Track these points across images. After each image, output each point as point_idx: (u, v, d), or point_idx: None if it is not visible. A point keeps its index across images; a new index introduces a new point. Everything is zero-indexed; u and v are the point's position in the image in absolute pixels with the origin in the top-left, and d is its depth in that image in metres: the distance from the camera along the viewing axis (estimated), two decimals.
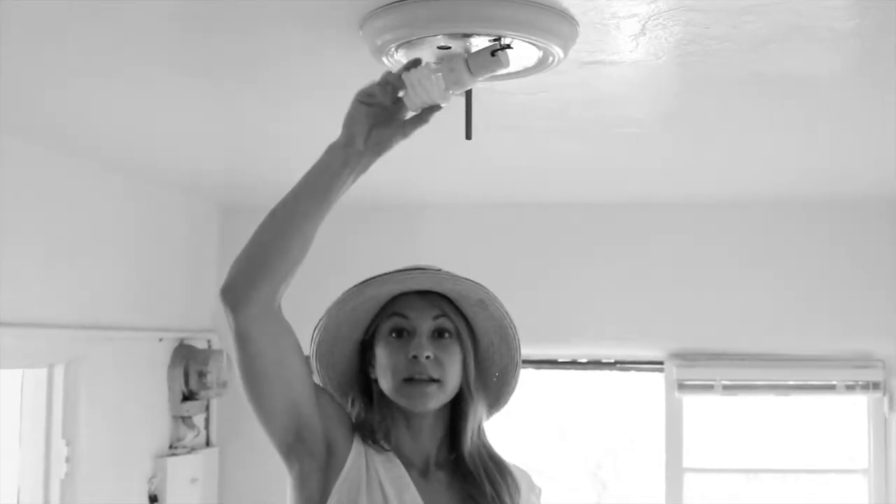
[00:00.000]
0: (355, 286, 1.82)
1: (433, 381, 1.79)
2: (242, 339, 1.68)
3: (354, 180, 1.72)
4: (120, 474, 3.79)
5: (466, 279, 1.83)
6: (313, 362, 1.88)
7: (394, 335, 1.82)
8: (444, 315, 1.82)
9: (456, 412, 1.86)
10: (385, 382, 1.82)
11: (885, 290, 4.25)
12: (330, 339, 1.86)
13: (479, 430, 1.90)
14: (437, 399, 1.81)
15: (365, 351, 1.88)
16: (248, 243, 1.68)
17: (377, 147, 1.71)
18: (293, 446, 1.78)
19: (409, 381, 1.79)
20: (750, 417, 4.66)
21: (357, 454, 1.79)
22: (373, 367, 1.86)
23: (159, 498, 3.98)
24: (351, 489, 1.76)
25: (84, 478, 3.50)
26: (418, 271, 1.82)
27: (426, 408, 1.81)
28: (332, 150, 1.71)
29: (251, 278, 1.65)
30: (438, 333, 1.82)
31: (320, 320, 1.84)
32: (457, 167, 3.67)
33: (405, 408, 1.81)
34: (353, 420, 1.86)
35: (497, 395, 1.94)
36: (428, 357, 1.78)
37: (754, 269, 4.35)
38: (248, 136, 3.22)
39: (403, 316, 1.82)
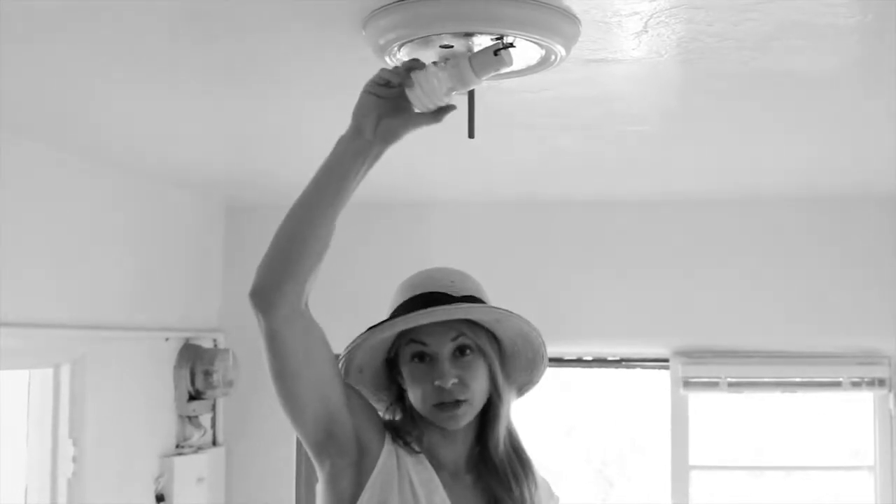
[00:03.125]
0: (368, 330, 1.83)
1: (461, 402, 1.81)
2: (272, 340, 1.70)
3: (367, 171, 1.73)
4: (126, 474, 3.80)
5: (477, 307, 1.84)
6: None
7: (416, 360, 1.84)
8: (462, 334, 1.83)
9: (486, 415, 1.88)
10: (415, 404, 1.85)
11: (891, 286, 4.24)
12: (356, 368, 1.88)
13: (510, 428, 1.93)
14: (468, 416, 1.84)
15: (392, 364, 1.90)
16: (269, 245, 1.69)
17: (386, 136, 1.72)
18: (324, 444, 1.79)
19: (438, 405, 1.81)
20: (756, 414, 4.66)
21: (388, 454, 1.81)
22: (402, 377, 1.88)
23: (166, 497, 3.99)
24: (383, 488, 1.78)
25: (91, 477, 3.51)
26: (427, 309, 1.81)
27: (458, 426, 1.84)
28: (341, 142, 1.72)
29: (277, 279, 1.66)
30: (460, 352, 1.83)
31: (341, 357, 1.85)
32: (461, 166, 3.67)
33: None
34: (387, 421, 1.88)
35: (528, 377, 1.97)
36: (454, 382, 1.80)
37: (759, 266, 4.34)
38: (252, 135, 3.22)
39: (422, 343, 1.83)
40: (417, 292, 1.86)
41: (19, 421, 3.42)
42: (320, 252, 1.69)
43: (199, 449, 4.27)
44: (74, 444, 3.47)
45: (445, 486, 1.83)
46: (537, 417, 4.96)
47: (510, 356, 1.92)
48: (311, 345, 1.73)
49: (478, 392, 1.83)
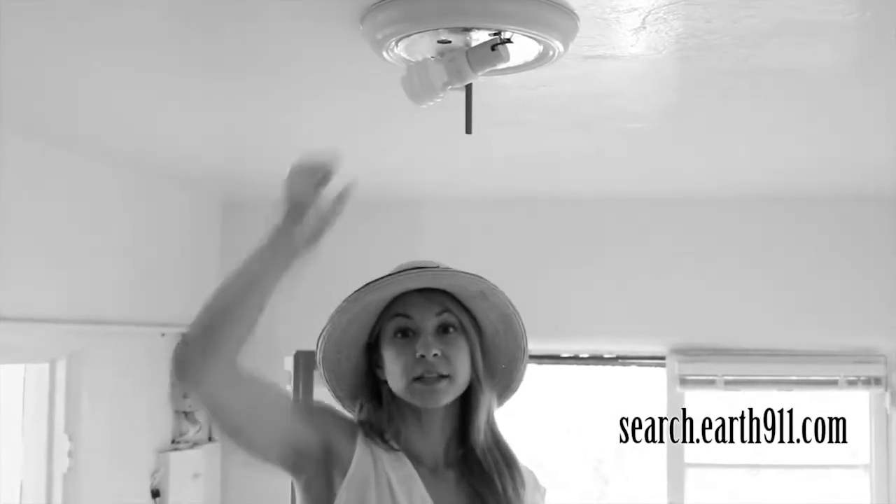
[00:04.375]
0: (355, 293, 1.81)
1: (443, 377, 1.79)
2: (209, 408, 1.70)
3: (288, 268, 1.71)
4: (122, 469, 3.80)
5: (464, 273, 1.83)
6: (321, 370, 1.88)
7: (399, 335, 1.82)
8: (447, 310, 1.82)
9: (466, 405, 1.85)
10: (395, 383, 1.82)
11: (887, 285, 4.24)
12: (335, 346, 1.86)
13: (491, 421, 1.90)
14: (449, 395, 1.81)
15: (371, 353, 1.88)
16: (193, 324, 1.67)
17: (311, 238, 1.71)
18: (296, 463, 1.79)
19: (419, 379, 1.78)
20: (752, 412, 4.65)
21: (363, 453, 1.79)
22: (380, 368, 1.86)
23: (161, 493, 3.99)
24: (358, 488, 1.76)
25: (86, 472, 3.51)
26: (416, 270, 1.82)
27: (438, 405, 1.80)
28: (275, 231, 1.70)
29: (201, 359, 1.64)
30: (443, 329, 1.82)
31: (323, 329, 1.84)
32: (458, 162, 3.67)
33: (417, 406, 1.81)
34: (362, 420, 1.86)
35: (506, 383, 1.94)
36: (435, 355, 1.78)
37: (756, 264, 4.35)
38: (249, 131, 3.22)
39: (406, 316, 1.81)
40: (404, 268, 1.85)
41: (15, 416, 3.42)
42: (245, 334, 1.68)
43: (194, 444, 4.27)
44: (70, 438, 3.47)
45: (426, 482, 1.80)
46: (534, 415, 4.96)
47: (491, 352, 1.90)
48: (249, 400, 1.72)
49: (459, 370, 1.81)
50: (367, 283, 1.81)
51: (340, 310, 1.82)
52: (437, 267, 1.84)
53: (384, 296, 1.82)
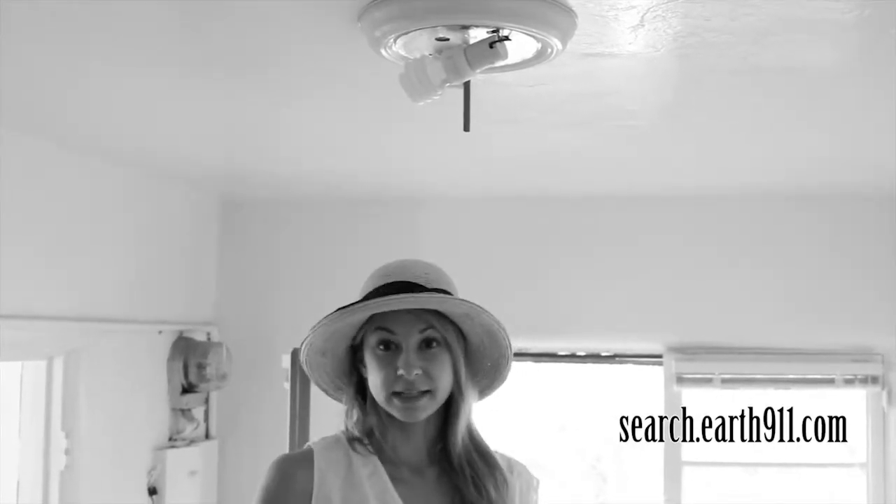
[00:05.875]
0: (338, 311, 1.80)
1: (423, 392, 1.79)
2: None
3: None
4: (119, 466, 3.79)
5: (450, 298, 1.82)
6: (308, 371, 1.89)
7: (381, 347, 1.81)
8: (431, 326, 1.81)
9: (447, 410, 1.86)
10: (375, 393, 1.82)
11: (885, 284, 4.25)
12: (319, 350, 1.87)
13: (470, 425, 1.90)
14: (429, 409, 1.82)
15: (355, 351, 1.88)
16: None
17: None
18: None
19: (399, 394, 1.79)
20: (752, 411, 4.65)
21: (321, 481, 1.79)
22: (364, 366, 1.86)
23: (158, 490, 3.99)
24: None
25: (83, 470, 3.51)
26: (400, 295, 1.79)
27: (417, 419, 1.82)
28: None
29: None
30: (426, 344, 1.81)
31: (307, 337, 1.83)
32: (456, 160, 3.67)
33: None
34: (347, 433, 1.87)
35: (490, 381, 1.94)
36: (417, 374, 1.78)
37: (754, 263, 4.35)
38: (248, 129, 3.22)
39: (390, 331, 1.80)
40: (390, 280, 1.84)
41: (12, 413, 3.41)
42: None
43: (191, 442, 4.27)
44: (67, 436, 3.46)
45: (408, 482, 1.82)
46: (531, 413, 4.96)
47: (475, 355, 1.90)
48: None
49: (441, 385, 1.81)
50: (350, 304, 1.80)
51: (324, 324, 1.81)
52: (423, 290, 1.81)
53: (366, 315, 1.82)
